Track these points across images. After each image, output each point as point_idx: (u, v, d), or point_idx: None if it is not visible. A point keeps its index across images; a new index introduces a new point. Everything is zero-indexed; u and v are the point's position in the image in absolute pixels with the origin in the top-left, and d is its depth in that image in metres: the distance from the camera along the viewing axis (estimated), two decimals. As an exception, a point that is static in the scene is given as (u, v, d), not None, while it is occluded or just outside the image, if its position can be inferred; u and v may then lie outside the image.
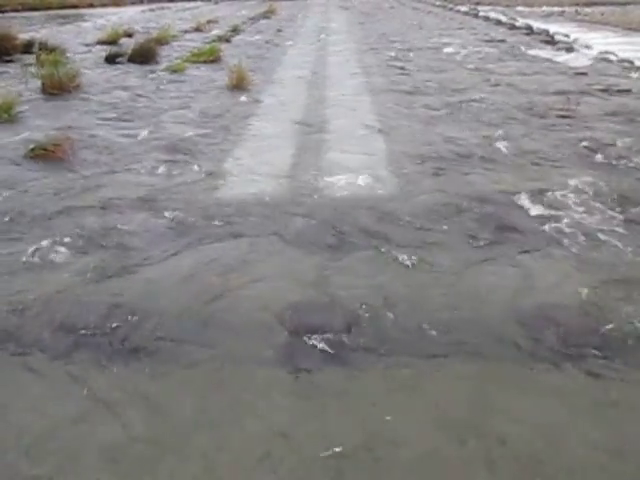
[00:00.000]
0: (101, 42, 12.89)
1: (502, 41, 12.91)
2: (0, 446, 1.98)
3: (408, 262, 3.12)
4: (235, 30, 15.83)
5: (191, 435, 2.00)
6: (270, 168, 4.70)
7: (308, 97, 7.54)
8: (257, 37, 14.75)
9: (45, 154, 4.94)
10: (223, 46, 11.94)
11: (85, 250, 3.33)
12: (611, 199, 3.88)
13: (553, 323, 2.55)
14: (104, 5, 30.74)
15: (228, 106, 7.00)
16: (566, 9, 22.88)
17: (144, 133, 5.72)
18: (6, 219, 3.73)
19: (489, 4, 26.25)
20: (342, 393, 2.19)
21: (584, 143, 5.15)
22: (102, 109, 6.82)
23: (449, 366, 2.32)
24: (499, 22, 17.79)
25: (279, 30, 16.68)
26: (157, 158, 4.99)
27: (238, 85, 7.93)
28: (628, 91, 7.34)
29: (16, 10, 25.91)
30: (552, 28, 15.10)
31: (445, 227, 3.54)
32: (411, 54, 11.11)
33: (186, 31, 15.67)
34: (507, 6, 25.30)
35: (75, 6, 28.82)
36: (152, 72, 9.30)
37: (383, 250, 3.26)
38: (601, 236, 3.37)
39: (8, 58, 10.72)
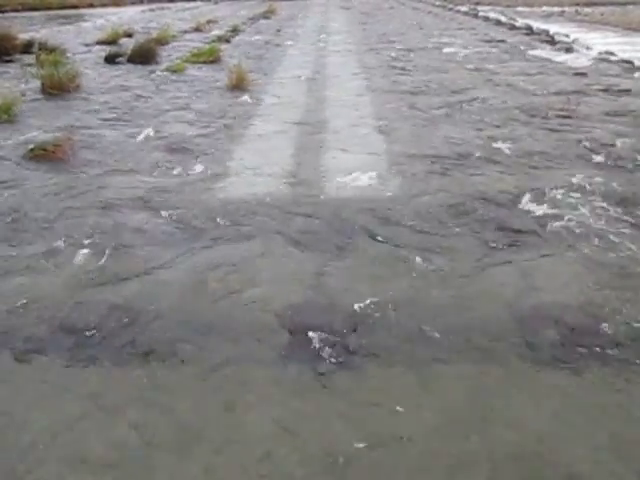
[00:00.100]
0: (101, 42, 12.90)
1: (502, 41, 12.91)
2: None
3: (410, 263, 3.12)
4: (235, 30, 15.83)
5: (191, 436, 2.00)
6: (271, 168, 4.70)
7: (308, 97, 7.54)
8: (257, 37, 14.75)
9: (45, 154, 4.94)
10: (223, 46, 11.95)
11: (84, 251, 3.32)
12: (613, 199, 3.88)
13: (556, 323, 2.55)
14: (104, 5, 30.75)
15: (228, 106, 7.00)
16: (566, 9, 22.88)
17: (144, 133, 5.71)
18: (5, 220, 3.73)
19: (489, 4, 26.25)
20: (342, 393, 2.19)
21: (585, 143, 5.15)
22: (102, 109, 6.82)
23: (452, 367, 2.31)
24: (499, 22, 17.79)
25: (279, 30, 16.68)
26: (157, 158, 4.99)
27: (238, 85, 7.93)
28: (628, 91, 7.34)
29: (16, 10, 25.92)
30: (552, 28, 15.10)
31: (447, 227, 3.53)
32: (411, 54, 11.11)
33: (186, 31, 15.68)
34: (507, 6, 25.30)
35: (75, 6, 28.82)
36: (152, 72, 9.29)
37: (385, 251, 3.26)
38: (604, 236, 3.37)
39: (8, 58, 10.72)
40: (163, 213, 3.80)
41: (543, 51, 11.29)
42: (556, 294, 2.80)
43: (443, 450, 1.92)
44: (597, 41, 12.63)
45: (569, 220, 3.57)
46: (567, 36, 13.43)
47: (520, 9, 24.16)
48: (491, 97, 7.15)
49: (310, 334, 2.50)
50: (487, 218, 3.65)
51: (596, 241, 3.31)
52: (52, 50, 10.41)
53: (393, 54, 11.15)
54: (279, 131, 5.86)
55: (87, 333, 2.55)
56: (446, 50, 11.60)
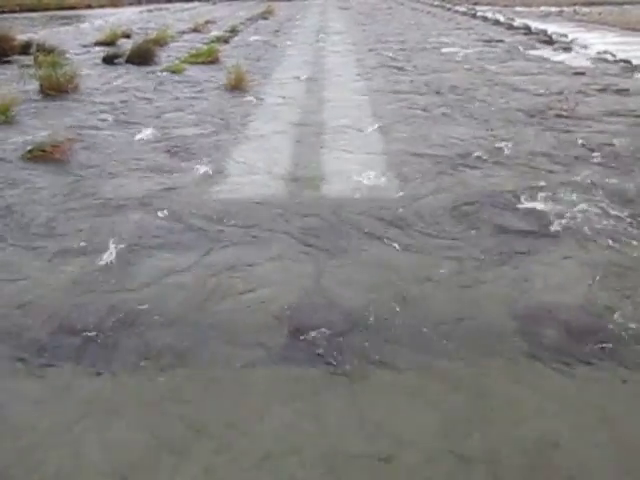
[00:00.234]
0: (99, 43, 12.89)
1: (500, 41, 12.92)
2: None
3: (410, 264, 3.12)
4: (233, 31, 15.83)
5: (191, 437, 2.00)
6: (270, 168, 4.69)
7: (307, 97, 7.54)
8: (255, 38, 14.75)
9: (43, 155, 4.93)
10: (221, 47, 11.94)
11: (83, 251, 3.32)
12: (613, 198, 3.88)
13: (558, 323, 2.55)
14: (102, 6, 30.73)
15: (227, 107, 7.00)
16: (564, 9, 22.91)
17: (143, 134, 5.71)
18: (4, 221, 3.72)
19: (487, 4, 26.28)
20: (342, 393, 2.18)
21: (584, 142, 5.15)
22: (100, 110, 6.81)
23: (452, 367, 2.31)
24: (497, 22, 17.80)
25: (277, 31, 16.68)
26: (156, 159, 4.98)
27: (237, 86, 7.92)
28: (626, 91, 7.34)
29: (14, 11, 25.90)
30: (550, 28, 15.12)
31: (447, 227, 3.53)
32: (410, 54, 11.11)
33: (184, 32, 15.67)
34: (505, 6, 25.32)
35: (73, 7, 28.81)
36: (151, 73, 9.29)
37: (385, 251, 3.26)
38: (604, 235, 3.37)
39: (6, 59, 10.71)
40: (162, 214, 3.80)
41: (541, 51, 11.30)
42: (561, 293, 2.80)
43: (442, 451, 1.92)
44: (595, 41, 12.64)
45: (570, 220, 3.57)
46: (565, 36, 13.45)
47: (518, 9, 24.19)
48: (490, 97, 7.15)
49: (310, 334, 2.49)
50: (487, 218, 3.65)
51: (598, 240, 3.31)
52: (50, 51, 10.41)
53: (392, 54, 11.15)
54: (278, 131, 5.86)
55: (87, 334, 2.54)
56: (445, 50, 11.60)
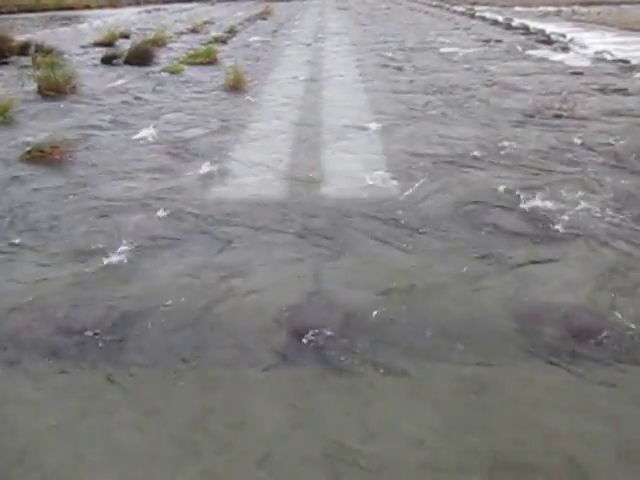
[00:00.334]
0: (98, 44, 12.88)
1: (499, 41, 12.93)
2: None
3: (410, 264, 3.12)
4: (231, 31, 15.82)
5: (190, 437, 2.00)
6: (270, 169, 4.69)
7: (306, 98, 7.54)
8: (254, 38, 14.75)
9: (42, 156, 4.92)
10: (219, 47, 11.94)
11: (82, 252, 3.32)
12: (613, 198, 3.88)
13: (558, 323, 2.55)
14: (100, 6, 30.71)
15: (226, 107, 7.00)
16: (563, 9, 22.92)
17: (141, 134, 5.70)
18: (2, 222, 3.72)
19: (485, 4, 26.29)
20: (342, 394, 2.18)
21: (582, 142, 5.15)
22: (99, 110, 6.81)
23: (451, 367, 2.31)
24: (495, 22, 17.82)
25: (276, 31, 16.68)
26: (155, 159, 4.98)
27: (235, 86, 7.92)
28: (625, 90, 7.35)
29: (12, 12, 25.86)
30: (549, 28, 15.14)
31: (447, 227, 3.53)
32: (408, 54, 11.12)
33: (182, 32, 15.66)
34: (503, 6, 25.34)
35: (71, 7, 28.79)
36: (149, 73, 9.28)
37: (385, 251, 3.26)
38: (604, 235, 3.37)
39: (4, 60, 10.70)
40: (162, 215, 3.79)
41: (540, 51, 11.31)
42: (563, 292, 2.80)
43: (441, 452, 1.92)
44: (594, 41, 12.66)
45: (570, 220, 3.57)
46: (564, 36, 13.46)
47: (517, 9, 24.20)
48: (489, 97, 7.16)
49: (306, 335, 2.49)
50: (488, 217, 3.65)
51: (599, 240, 3.31)
52: (49, 52, 10.40)
53: (391, 54, 11.16)
54: (277, 131, 5.85)
55: (85, 333, 2.54)
56: (444, 50, 11.61)
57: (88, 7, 29.74)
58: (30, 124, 6.15)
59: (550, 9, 23.26)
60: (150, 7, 30.17)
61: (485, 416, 2.06)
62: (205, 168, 4.71)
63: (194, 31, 15.93)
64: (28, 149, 5.03)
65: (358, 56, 11.20)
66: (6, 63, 10.50)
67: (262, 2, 28.17)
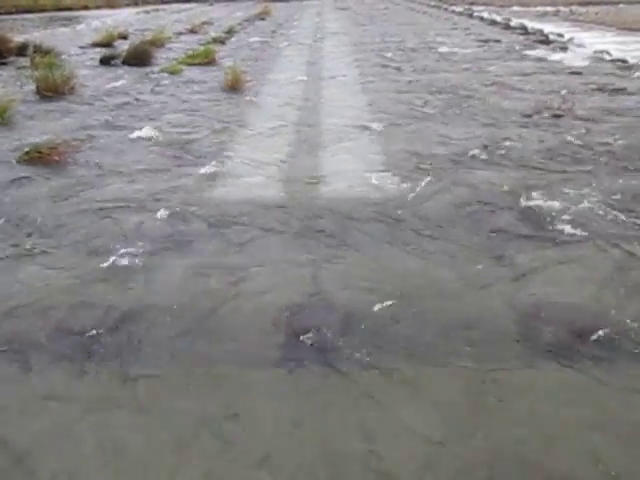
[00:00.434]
0: (96, 44, 12.87)
1: (497, 41, 12.94)
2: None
3: (410, 265, 3.12)
4: (230, 32, 15.82)
5: (190, 438, 1.99)
6: (269, 169, 4.69)
7: (304, 98, 7.53)
8: (252, 39, 14.75)
9: (41, 157, 4.91)
10: (218, 48, 11.94)
11: (81, 253, 3.31)
12: (612, 197, 3.88)
13: (562, 323, 2.55)
14: (98, 7, 30.70)
15: (224, 107, 6.99)
16: (561, 9, 22.95)
17: (140, 134, 5.70)
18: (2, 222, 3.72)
19: (483, 4, 26.32)
20: (341, 394, 2.18)
21: (581, 142, 5.16)
22: (97, 111, 6.80)
23: (451, 368, 2.31)
24: (494, 22, 17.83)
25: (274, 31, 16.68)
26: (153, 159, 4.98)
27: (234, 86, 7.92)
28: (623, 90, 7.36)
29: (10, 12, 25.85)
30: (547, 28, 15.15)
31: (447, 227, 3.53)
32: (407, 54, 11.12)
33: (181, 33, 15.66)
34: (502, 6, 25.37)
35: (69, 8, 28.78)
36: (147, 74, 9.28)
37: (385, 252, 3.26)
38: (606, 235, 3.37)
39: (2, 61, 10.69)
40: (160, 215, 3.79)
41: (538, 50, 11.32)
42: (564, 292, 2.80)
43: (440, 452, 1.92)
44: (592, 40, 12.67)
45: (571, 219, 3.57)
46: (561, 36, 13.48)
47: (515, 9, 24.23)
48: (487, 96, 7.16)
49: (305, 335, 2.49)
50: (487, 217, 3.65)
51: (598, 240, 3.31)
52: (47, 52, 10.39)
53: (389, 54, 11.16)
54: (277, 132, 5.85)
55: (85, 334, 2.54)
56: (442, 50, 11.62)
57: (86, 7, 29.74)
58: (28, 125, 6.14)
59: (548, 9, 23.29)
60: (148, 7, 30.18)
61: (485, 416, 2.05)
62: (204, 168, 4.70)
63: (193, 31, 15.93)
64: (26, 150, 5.02)
65: (357, 56, 11.20)
66: (4, 64, 10.49)
67: (261, 2, 28.18)
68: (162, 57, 10.99)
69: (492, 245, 3.30)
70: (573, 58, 10.22)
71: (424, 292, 2.83)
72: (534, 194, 3.96)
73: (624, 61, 9.49)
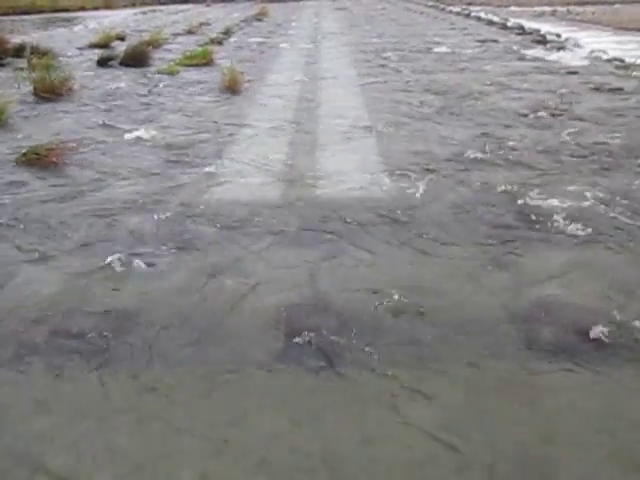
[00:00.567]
0: (93, 45, 12.84)
1: (495, 41, 12.96)
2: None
3: (410, 265, 3.12)
4: (227, 32, 15.80)
5: (189, 439, 1.99)
6: (268, 169, 4.69)
7: (302, 98, 7.53)
8: (250, 39, 14.74)
9: (38, 159, 4.90)
10: (215, 48, 11.92)
11: (79, 254, 3.30)
12: (610, 197, 3.89)
13: (562, 323, 2.55)
14: (96, 8, 30.65)
15: (222, 108, 6.99)
16: (558, 9, 22.99)
17: (138, 136, 5.69)
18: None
19: (481, 4, 26.35)
20: (341, 395, 2.18)
21: (578, 141, 5.17)
22: (95, 112, 6.79)
23: (450, 368, 2.31)
24: (491, 22, 17.85)
25: (272, 32, 16.68)
26: (152, 161, 4.97)
27: (231, 87, 7.91)
28: (620, 89, 7.37)
29: (7, 14, 25.79)
30: (544, 28, 15.17)
31: (446, 226, 3.53)
32: (405, 55, 11.12)
33: (178, 34, 15.64)
34: (499, 6, 25.40)
35: (66, 9, 28.72)
36: (145, 75, 9.27)
37: (385, 252, 3.26)
38: (603, 234, 3.37)
39: (-1, 62, 10.67)
40: (159, 216, 3.78)
41: (535, 50, 11.33)
42: (564, 292, 2.80)
43: (439, 453, 1.91)
44: (589, 40, 12.70)
45: (570, 218, 3.57)
46: (559, 35, 13.49)
47: (512, 9, 24.27)
48: (485, 96, 7.17)
49: (305, 335, 2.49)
50: (487, 216, 3.65)
51: (598, 239, 3.32)
52: (44, 54, 10.37)
53: (387, 55, 11.16)
54: (274, 132, 5.85)
55: (84, 336, 2.53)
56: (440, 50, 11.62)
57: (83, 8, 29.69)
58: (25, 126, 6.13)
59: (545, 9, 23.34)
60: (146, 8, 30.14)
61: (486, 417, 2.05)
62: (203, 169, 4.70)
63: (190, 32, 15.90)
64: (24, 152, 5.01)
65: (355, 56, 11.20)
66: (1, 65, 10.46)
67: (258, 3, 28.16)
68: (159, 58, 10.97)
69: (492, 245, 3.30)
70: (570, 58, 10.24)
71: (424, 292, 2.83)
72: (533, 193, 3.96)
73: (621, 60, 9.51)
